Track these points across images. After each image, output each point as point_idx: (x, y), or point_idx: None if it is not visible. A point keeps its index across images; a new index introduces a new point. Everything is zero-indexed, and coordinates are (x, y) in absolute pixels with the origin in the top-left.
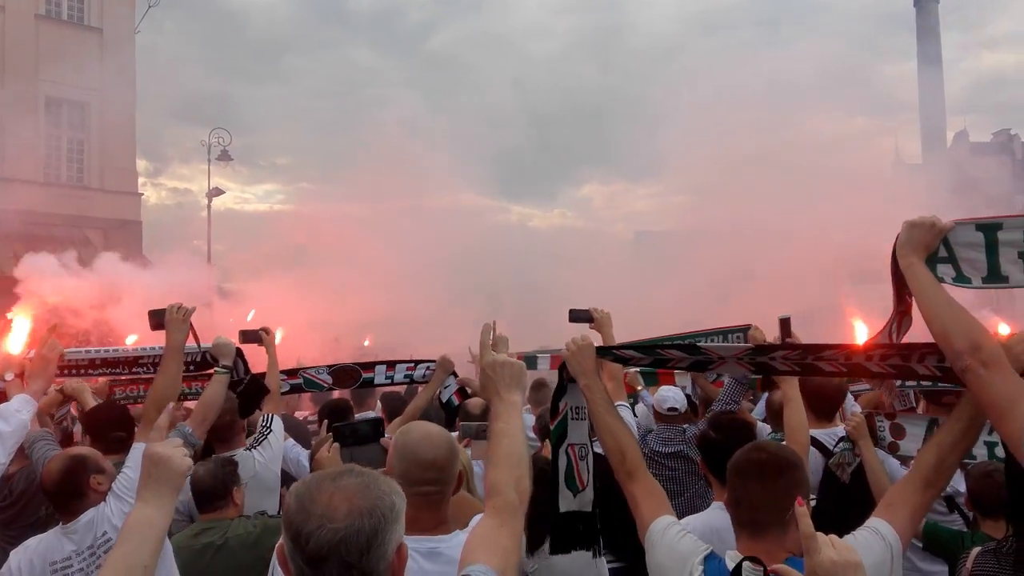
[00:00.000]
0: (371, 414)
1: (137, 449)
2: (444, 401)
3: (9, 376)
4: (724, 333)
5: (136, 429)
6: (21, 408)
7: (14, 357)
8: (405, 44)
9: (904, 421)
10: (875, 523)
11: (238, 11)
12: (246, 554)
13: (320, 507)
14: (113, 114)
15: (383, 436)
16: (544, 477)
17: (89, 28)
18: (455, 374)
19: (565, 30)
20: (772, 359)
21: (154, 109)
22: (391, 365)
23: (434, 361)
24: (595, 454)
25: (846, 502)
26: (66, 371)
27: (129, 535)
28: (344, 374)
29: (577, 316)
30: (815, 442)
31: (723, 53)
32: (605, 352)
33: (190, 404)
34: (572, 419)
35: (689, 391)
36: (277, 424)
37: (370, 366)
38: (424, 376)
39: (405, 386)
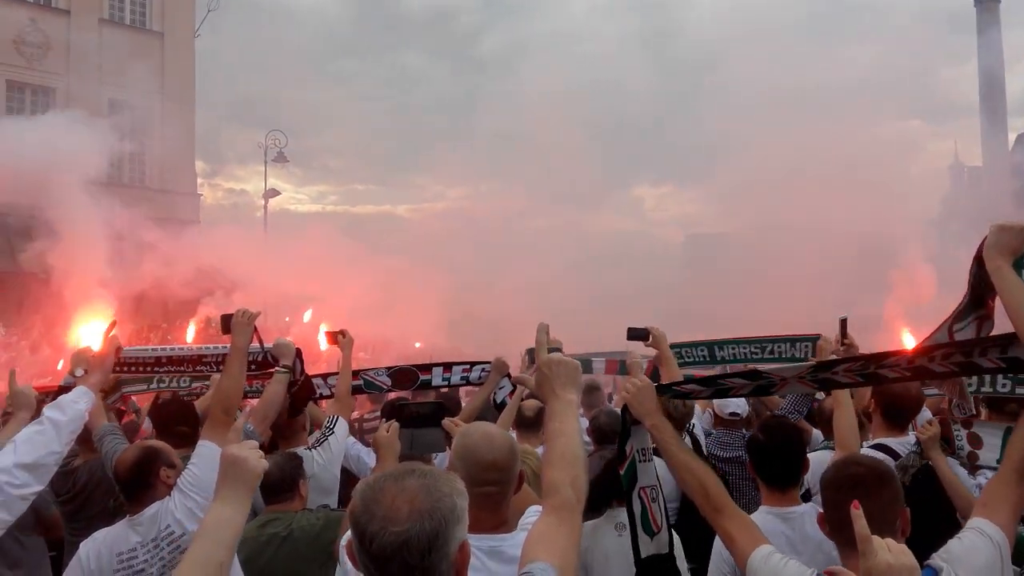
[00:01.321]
0: None
1: (203, 446)
2: (498, 402)
3: (79, 372)
4: (792, 341)
5: (201, 427)
6: (78, 399)
7: (86, 353)
8: (455, 47)
9: (980, 429)
10: (978, 523)
11: (293, 14)
12: (309, 546)
13: (383, 509)
14: (173, 116)
15: (443, 419)
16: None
17: (151, 32)
18: (509, 376)
19: (614, 32)
20: (835, 373)
21: (211, 111)
22: (448, 367)
23: (489, 363)
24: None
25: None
26: (130, 368)
27: (207, 533)
28: (403, 376)
29: (635, 334)
30: (889, 450)
31: (776, 54)
32: (665, 390)
33: (251, 401)
34: (640, 462)
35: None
36: (341, 426)
37: (427, 368)
38: (479, 378)
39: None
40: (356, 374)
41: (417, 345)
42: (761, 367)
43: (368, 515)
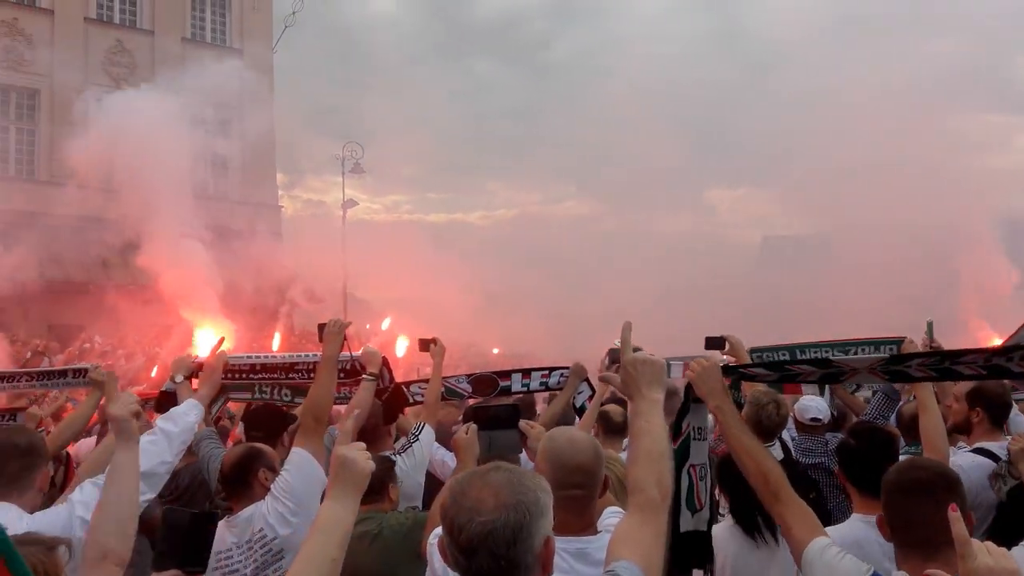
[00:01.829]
0: None
1: (296, 454)
2: (578, 407)
3: (179, 379)
4: (876, 344)
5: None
6: (189, 412)
7: (186, 361)
8: (525, 53)
9: None
10: None
11: (365, 26)
12: (398, 544)
13: (470, 501)
14: (254, 130)
15: (519, 422)
16: None
17: (231, 49)
18: (588, 380)
19: (684, 34)
20: (908, 367)
21: (289, 123)
22: (527, 373)
23: (568, 368)
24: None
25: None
26: (227, 375)
27: (320, 530)
28: (483, 382)
29: (713, 343)
30: (990, 454)
31: (849, 52)
32: (731, 371)
33: (339, 407)
34: (694, 439)
35: (828, 402)
36: (427, 434)
37: (507, 374)
38: (559, 383)
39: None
40: None
41: (495, 351)
42: (833, 359)
43: (456, 507)
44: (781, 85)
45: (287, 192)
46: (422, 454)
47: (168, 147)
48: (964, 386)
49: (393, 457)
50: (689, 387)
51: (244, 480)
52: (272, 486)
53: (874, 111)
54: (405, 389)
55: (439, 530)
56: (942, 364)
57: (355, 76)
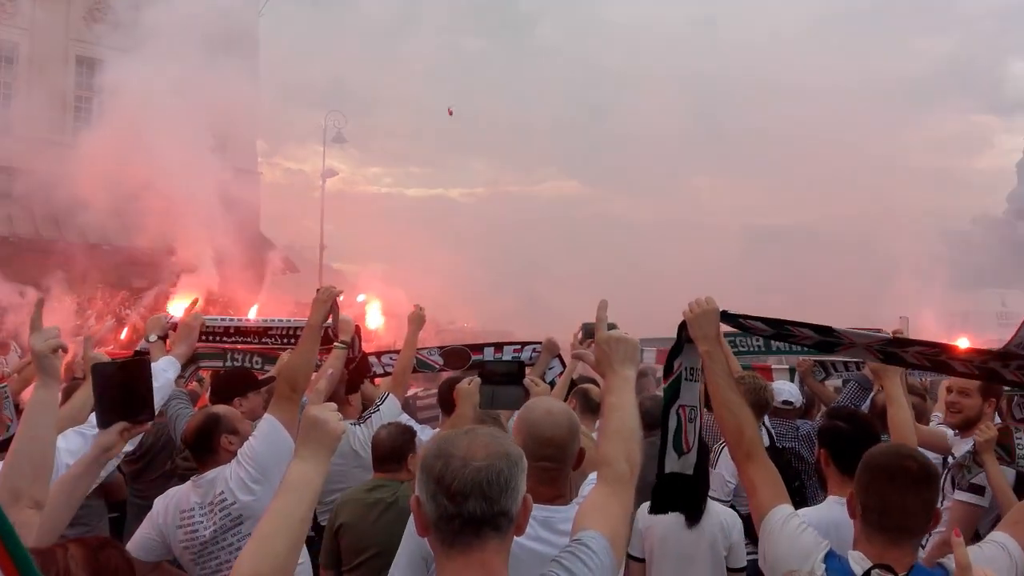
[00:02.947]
0: None
1: (265, 421)
2: (548, 382)
3: (153, 338)
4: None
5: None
6: (167, 368)
7: (161, 320)
8: (513, 31)
9: None
10: (1001, 538)
11: None
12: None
13: (461, 450)
14: (236, 95)
15: (524, 379)
16: None
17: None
18: (560, 356)
19: (674, 19)
20: (905, 351)
21: (271, 90)
22: (499, 347)
23: (540, 343)
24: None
25: None
26: (203, 336)
27: (289, 488)
28: (454, 355)
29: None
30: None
31: (839, 46)
32: (729, 318)
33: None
34: (686, 380)
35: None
36: (389, 404)
37: (479, 347)
38: (531, 358)
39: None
40: None
41: (466, 326)
42: (836, 329)
43: (445, 457)
44: (770, 75)
45: (266, 159)
46: (376, 425)
47: (166, 110)
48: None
49: (352, 426)
50: (683, 326)
51: (207, 447)
52: (239, 451)
53: (862, 104)
54: (377, 360)
55: None
56: (939, 356)
57: (340, 46)
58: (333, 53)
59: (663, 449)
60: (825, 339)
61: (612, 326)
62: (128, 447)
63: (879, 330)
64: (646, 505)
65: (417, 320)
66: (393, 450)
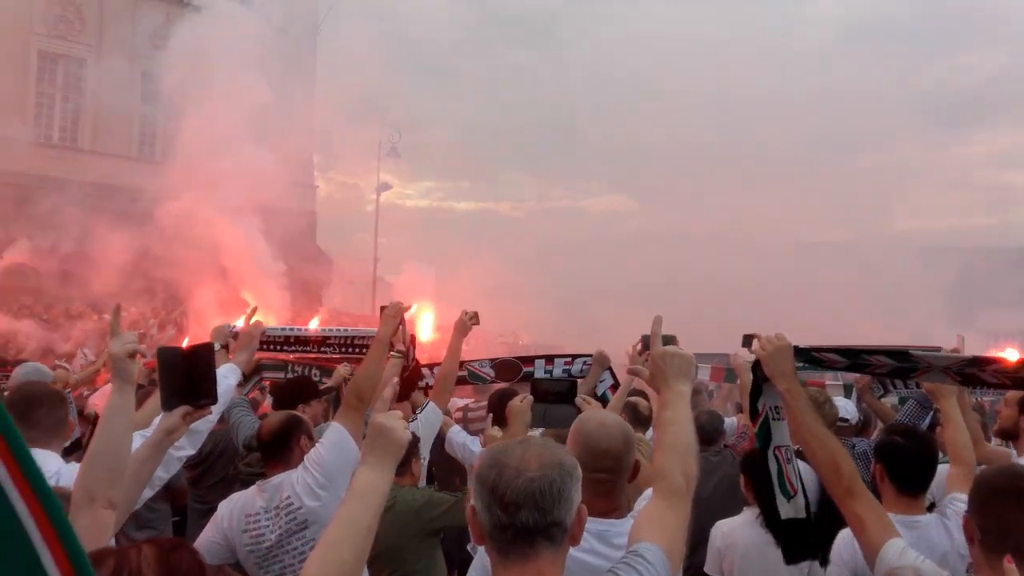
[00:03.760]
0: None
1: (333, 429)
2: (599, 395)
3: (216, 347)
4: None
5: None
6: (228, 375)
7: (223, 330)
8: (559, 46)
9: None
10: None
11: (408, 13)
12: (411, 519)
13: (514, 461)
14: (294, 111)
15: (576, 398)
16: None
17: (277, 28)
18: (611, 369)
19: (718, 35)
20: (983, 371)
21: (327, 105)
22: (549, 360)
23: (591, 356)
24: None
25: None
26: (265, 346)
27: (356, 496)
28: (506, 368)
29: (746, 340)
30: None
31: (881, 60)
32: (803, 353)
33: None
34: (773, 420)
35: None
36: (428, 412)
37: (530, 360)
38: (581, 371)
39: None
40: (461, 365)
41: (521, 343)
42: (913, 353)
43: (499, 467)
44: (819, 87)
45: (322, 174)
46: (422, 432)
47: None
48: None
49: None
50: (756, 366)
51: (285, 445)
52: (305, 458)
53: (905, 116)
54: (428, 370)
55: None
56: (1018, 374)
57: (394, 62)
58: (385, 68)
59: (771, 496)
60: (901, 365)
61: (669, 340)
62: (190, 451)
63: (939, 348)
64: (723, 523)
65: (462, 327)
66: None
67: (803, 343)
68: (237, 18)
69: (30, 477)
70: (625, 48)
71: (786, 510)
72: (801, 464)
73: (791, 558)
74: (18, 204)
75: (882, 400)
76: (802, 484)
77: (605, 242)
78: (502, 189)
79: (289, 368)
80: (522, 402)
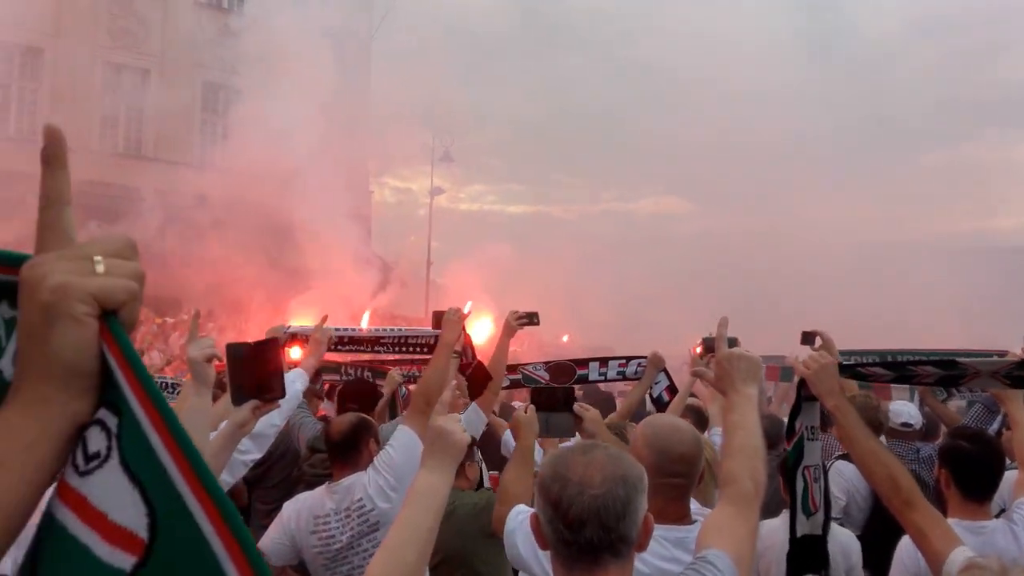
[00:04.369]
0: None
1: (402, 432)
2: (655, 397)
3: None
4: (977, 357)
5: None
6: (296, 379)
7: (279, 331)
8: (610, 47)
9: None
10: None
11: (461, 17)
12: (470, 523)
13: (577, 475)
14: (349, 116)
15: (574, 405)
16: None
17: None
18: (666, 371)
19: (776, 33)
20: None
21: (381, 111)
22: (604, 362)
23: (645, 357)
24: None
25: None
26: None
27: (416, 500)
28: (560, 370)
29: (806, 337)
30: None
31: (951, 57)
32: (847, 369)
33: (411, 386)
34: (808, 440)
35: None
36: (469, 415)
37: (584, 362)
38: (636, 372)
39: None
40: (515, 368)
41: (564, 339)
42: (960, 361)
43: (562, 481)
44: (881, 86)
45: (375, 179)
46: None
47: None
48: None
49: None
50: (800, 384)
51: (354, 447)
52: (376, 459)
53: (970, 113)
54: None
55: (520, 508)
56: None
57: (445, 66)
58: (437, 72)
59: (792, 513)
60: (948, 373)
61: (732, 342)
62: (257, 454)
63: (1004, 352)
64: (763, 524)
65: (509, 329)
66: None
67: (862, 344)
68: (294, 27)
69: (202, 477)
70: (678, 47)
71: (803, 527)
72: (850, 467)
73: (796, 572)
74: (105, 214)
75: (946, 404)
76: (825, 502)
77: (657, 243)
78: (553, 192)
79: (343, 370)
80: (527, 412)
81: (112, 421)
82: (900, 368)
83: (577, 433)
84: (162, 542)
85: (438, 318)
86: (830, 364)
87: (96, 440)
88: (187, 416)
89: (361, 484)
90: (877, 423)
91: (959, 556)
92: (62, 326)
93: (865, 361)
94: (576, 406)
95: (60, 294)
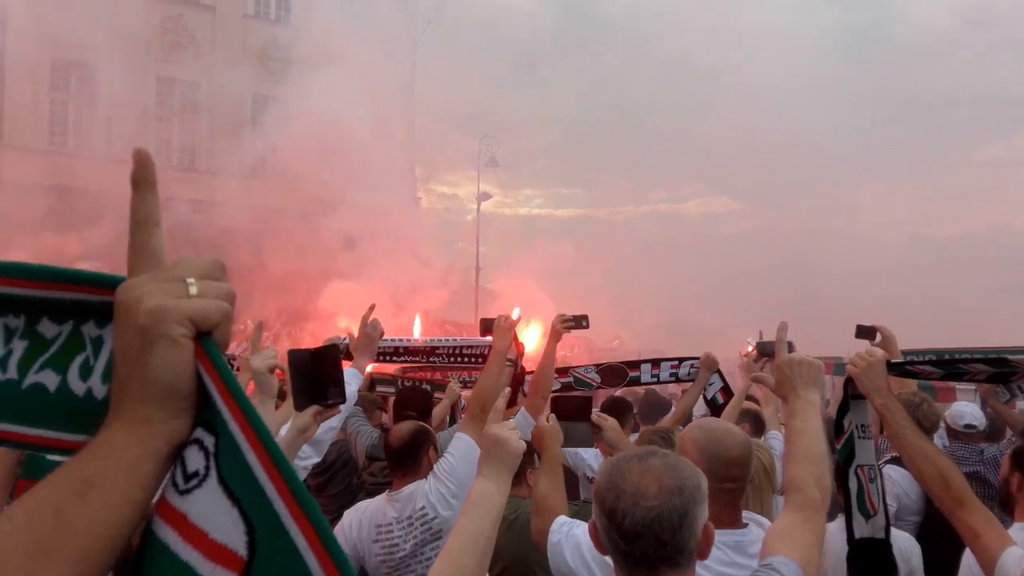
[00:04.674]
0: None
1: (460, 439)
2: (709, 399)
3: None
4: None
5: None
6: (350, 380)
7: (335, 341)
8: (654, 47)
9: None
10: None
11: (503, 21)
12: None
13: (632, 486)
14: (395, 124)
15: (592, 415)
16: None
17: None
18: (720, 372)
19: (819, 30)
20: None
21: (426, 117)
22: (656, 364)
23: (698, 358)
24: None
25: None
26: (376, 356)
27: (473, 507)
28: (612, 372)
29: (863, 332)
30: None
31: (1002, 46)
32: (896, 367)
33: (465, 392)
34: (859, 438)
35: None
36: (518, 420)
37: (636, 365)
38: (689, 374)
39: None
40: (566, 371)
41: (615, 343)
42: (1011, 358)
43: (616, 492)
44: (917, 83)
45: (423, 186)
46: None
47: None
48: None
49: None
50: (848, 383)
51: (414, 456)
52: (435, 467)
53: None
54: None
55: (563, 520)
56: None
57: (489, 71)
58: (481, 77)
59: (848, 514)
60: (999, 371)
61: (790, 347)
62: (316, 458)
63: None
64: None
65: (555, 333)
66: None
67: (916, 343)
68: (342, 36)
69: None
70: (722, 46)
71: (863, 530)
72: (899, 471)
73: None
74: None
75: (1011, 404)
76: (884, 504)
77: (706, 243)
78: (602, 195)
79: (400, 383)
80: (549, 421)
81: (209, 440)
82: (950, 366)
83: (596, 444)
84: (261, 559)
85: (487, 325)
86: (878, 361)
87: (194, 459)
88: None
89: (423, 492)
90: (922, 421)
91: (1012, 555)
92: (160, 348)
93: (916, 359)
94: (595, 415)
95: (157, 316)
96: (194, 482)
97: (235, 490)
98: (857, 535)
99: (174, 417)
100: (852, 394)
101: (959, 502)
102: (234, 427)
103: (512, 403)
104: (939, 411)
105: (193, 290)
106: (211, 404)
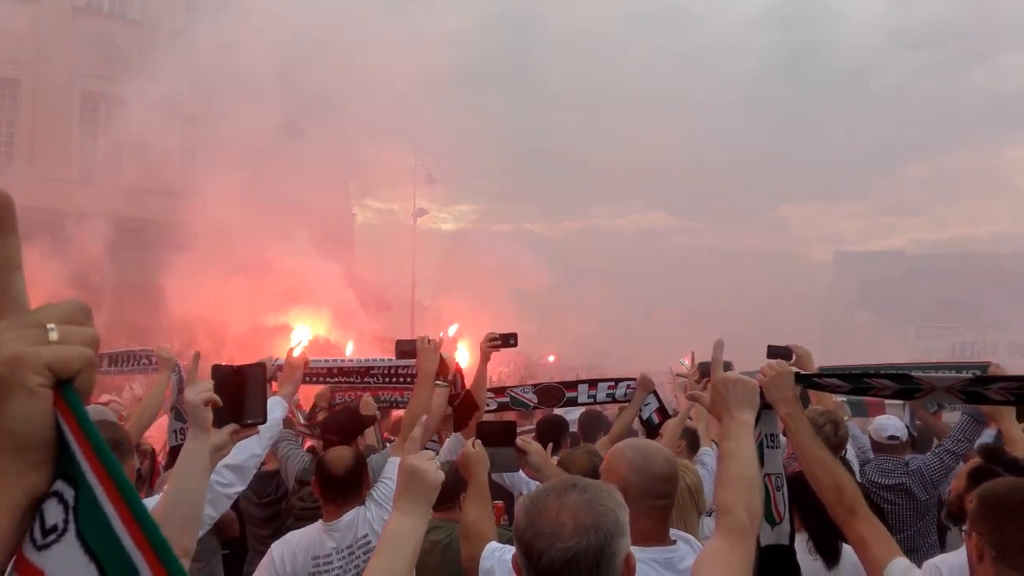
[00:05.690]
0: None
1: (393, 462)
2: (644, 419)
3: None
4: (957, 369)
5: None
6: (274, 408)
7: (267, 365)
8: (593, 64)
9: None
10: None
11: (438, 39)
12: None
13: (548, 525)
14: (327, 138)
15: (516, 439)
16: None
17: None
18: (656, 393)
19: (757, 47)
20: (988, 389)
21: (361, 132)
22: (593, 384)
23: (635, 379)
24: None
25: None
26: (307, 378)
27: (388, 544)
28: (548, 393)
29: (776, 352)
30: None
31: (925, 69)
32: (803, 379)
33: (398, 412)
34: (767, 447)
35: (908, 423)
36: (453, 443)
37: (573, 385)
38: (625, 395)
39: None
40: (503, 391)
41: (551, 359)
42: (915, 375)
43: (533, 531)
44: (856, 100)
45: (358, 201)
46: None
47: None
48: None
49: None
50: (759, 393)
51: (356, 485)
52: (374, 492)
53: (951, 122)
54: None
55: (494, 546)
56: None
57: (423, 88)
58: (417, 93)
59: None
60: (904, 387)
61: (727, 366)
62: (240, 487)
63: (987, 364)
64: None
65: (484, 352)
66: (446, 489)
67: (840, 359)
68: (261, 54)
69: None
70: (659, 66)
71: (767, 537)
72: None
73: None
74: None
75: (938, 415)
76: (789, 512)
77: (643, 260)
78: (540, 211)
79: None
80: (475, 447)
81: (69, 493)
82: (857, 380)
83: (521, 468)
84: None
85: (403, 348)
86: (786, 372)
87: (53, 513)
88: (183, 462)
89: (364, 519)
90: (829, 443)
91: (898, 566)
92: (16, 398)
93: (824, 373)
94: (519, 440)
95: (13, 365)
96: (52, 537)
97: (93, 545)
98: (763, 543)
99: (31, 469)
100: (762, 404)
101: (851, 511)
102: (92, 479)
103: (460, 426)
104: (845, 429)
105: (53, 336)
106: (70, 455)
